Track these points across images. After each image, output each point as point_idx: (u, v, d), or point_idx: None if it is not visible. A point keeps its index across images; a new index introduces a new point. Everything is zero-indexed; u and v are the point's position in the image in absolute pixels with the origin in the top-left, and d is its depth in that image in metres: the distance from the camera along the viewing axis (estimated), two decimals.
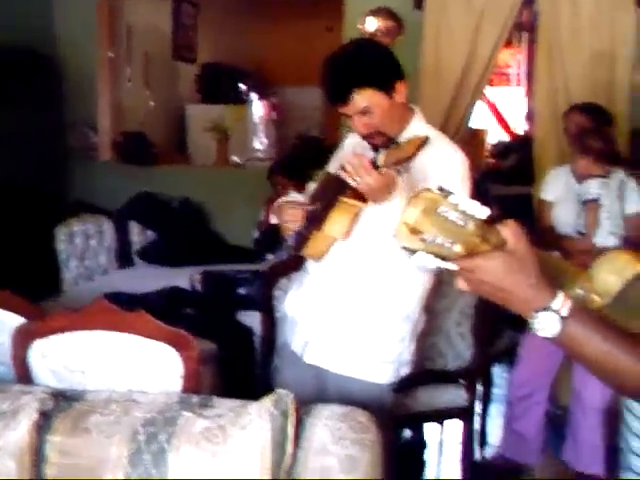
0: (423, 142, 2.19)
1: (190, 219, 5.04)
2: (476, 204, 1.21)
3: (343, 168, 2.28)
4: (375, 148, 2.50)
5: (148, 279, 4.00)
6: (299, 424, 1.88)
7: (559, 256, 1.75)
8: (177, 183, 5.60)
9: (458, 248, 1.22)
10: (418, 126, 2.54)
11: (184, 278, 3.83)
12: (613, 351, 1.24)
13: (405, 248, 1.23)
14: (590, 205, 3.71)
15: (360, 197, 2.36)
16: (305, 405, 1.94)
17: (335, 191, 2.45)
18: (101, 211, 4.97)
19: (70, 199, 5.63)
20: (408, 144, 2.21)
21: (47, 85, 5.64)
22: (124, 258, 4.86)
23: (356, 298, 2.58)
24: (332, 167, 2.72)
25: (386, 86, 2.40)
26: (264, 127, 7.66)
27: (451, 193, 1.22)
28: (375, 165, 2.26)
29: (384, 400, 2.65)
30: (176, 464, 1.83)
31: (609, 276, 1.59)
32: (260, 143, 7.54)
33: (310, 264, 2.71)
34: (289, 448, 1.83)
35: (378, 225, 2.45)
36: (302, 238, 2.56)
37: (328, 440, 1.86)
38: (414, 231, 1.20)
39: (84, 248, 4.63)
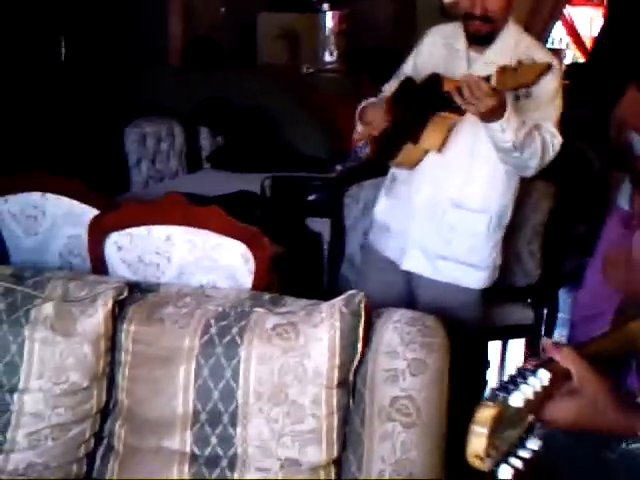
0: (545, 69, 2.16)
1: (260, 126, 5.01)
2: (534, 379, 1.06)
3: (458, 90, 2.24)
4: (471, 37, 2.51)
5: (217, 184, 4.01)
6: (369, 327, 1.90)
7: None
8: (247, 90, 5.54)
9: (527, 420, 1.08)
10: (514, 29, 2.54)
11: (253, 184, 3.83)
12: None
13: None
14: None
15: (457, 109, 2.34)
16: (375, 308, 1.95)
17: (430, 103, 2.43)
18: (171, 115, 4.97)
19: (140, 102, 5.63)
20: (529, 69, 2.17)
21: None
22: (193, 162, 4.88)
23: (454, 207, 2.61)
24: (409, 66, 2.72)
25: None
26: (335, 38, 7.54)
27: (511, 392, 1.05)
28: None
29: (477, 306, 2.74)
30: (247, 357, 1.86)
31: None
32: (330, 54, 7.44)
33: (398, 172, 2.71)
34: (359, 348, 1.85)
35: (475, 136, 2.48)
36: (391, 148, 2.56)
37: (397, 343, 1.87)
38: (487, 455, 1.03)
39: (155, 151, 4.65)
